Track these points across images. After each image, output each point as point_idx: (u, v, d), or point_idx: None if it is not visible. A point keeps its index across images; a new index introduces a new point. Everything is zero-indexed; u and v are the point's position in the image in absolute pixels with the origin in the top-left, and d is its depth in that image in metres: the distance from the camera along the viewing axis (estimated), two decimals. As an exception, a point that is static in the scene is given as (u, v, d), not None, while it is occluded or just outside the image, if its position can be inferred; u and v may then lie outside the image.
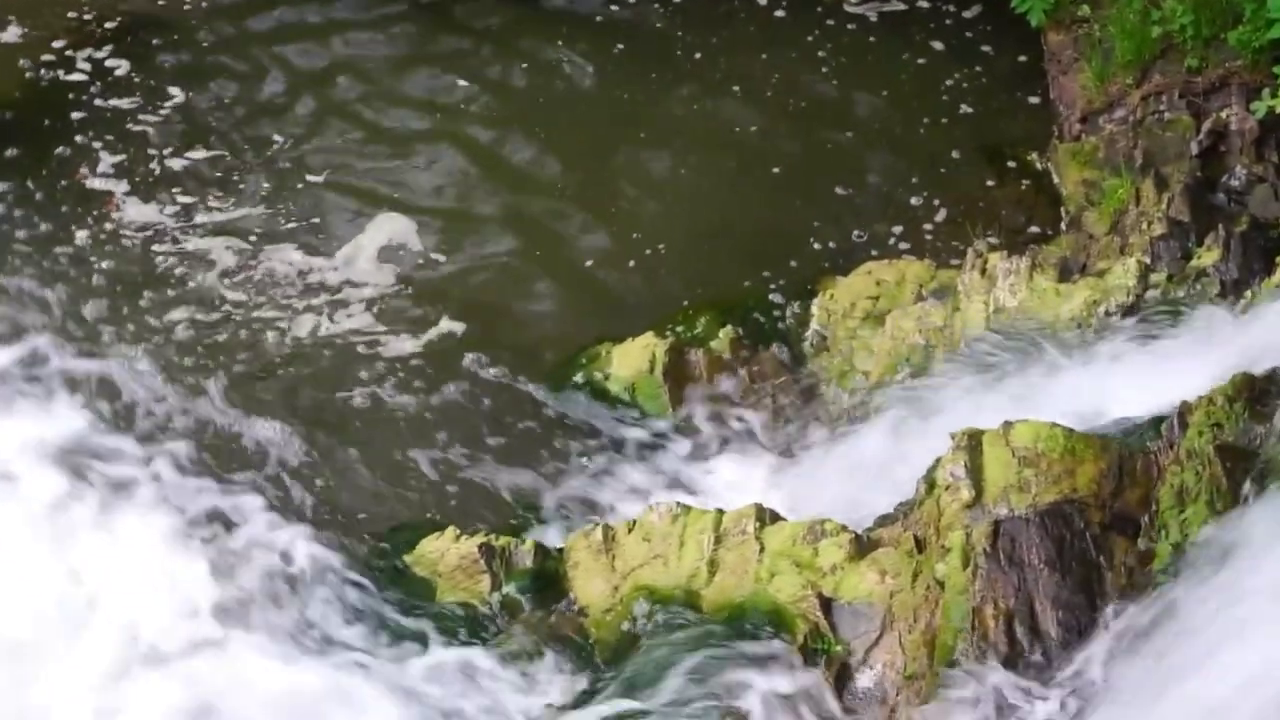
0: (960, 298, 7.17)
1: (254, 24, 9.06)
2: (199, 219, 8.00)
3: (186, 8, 9.14)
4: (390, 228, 7.93)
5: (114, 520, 6.49)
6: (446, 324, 7.51)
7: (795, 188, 8.21)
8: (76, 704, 5.84)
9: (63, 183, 8.17)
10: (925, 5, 9.07)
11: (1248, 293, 6.69)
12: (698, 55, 8.91)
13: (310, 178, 8.23)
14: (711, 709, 5.66)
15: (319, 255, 7.82)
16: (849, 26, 9.02)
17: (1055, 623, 5.49)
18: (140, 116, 8.52)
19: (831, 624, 5.79)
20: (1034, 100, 8.56)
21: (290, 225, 7.98)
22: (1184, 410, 5.85)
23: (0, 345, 7.24)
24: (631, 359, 7.17)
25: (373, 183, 8.21)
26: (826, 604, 5.83)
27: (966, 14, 9.00)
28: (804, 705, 5.64)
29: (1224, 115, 7.60)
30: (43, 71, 8.76)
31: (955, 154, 8.33)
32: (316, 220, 8.01)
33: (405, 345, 7.42)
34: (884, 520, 6.17)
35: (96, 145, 8.35)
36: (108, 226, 7.94)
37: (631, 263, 7.82)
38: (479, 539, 6.34)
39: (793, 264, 7.77)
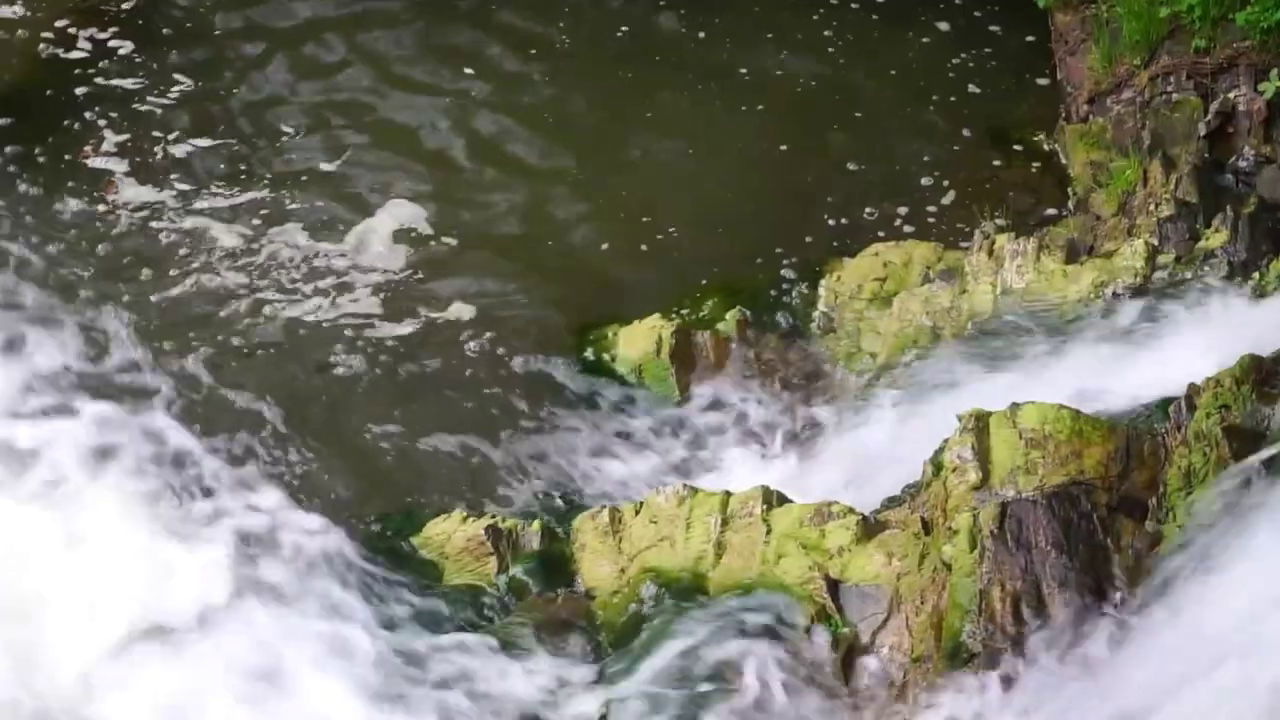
0: (967, 279, 7.17)
1: (261, 8, 9.03)
2: (201, 202, 7.99)
3: (193, -11, 9.15)
4: (399, 213, 7.92)
5: (115, 502, 6.47)
6: (454, 307, 7.50)
7: (802, 169, 8.19)
8: (70, 688, 5.83)
9: (65, 159, 8.15)
10: (931, -15, 9.06)
11: (1255, 274, 6.68)
12: (701, 35, 8.90)
13: (317, 164, 8.21)
14: (718, 691, 5.67)
15: (325, 240, 7.81)
16: (853, 6, 8.99)
17: (1062, 605, 5.49)
18: (146, 97, 8.50)
19: (838, 606, 5.80)
20: (1041, 81, 8.54)
21: (297, 209, 7.96)
22: (1192, 392, 5.85)
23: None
24: (638, 341, 7.17)
25: (381, 169, 8.19)
26: (834, 586, 5.83)
27: (973, -6, 9.00)
28: (811, 687, 5.65)
29: (1232, 96, 7.58)
30: (44, 49, 8.74)
31: (962, 136, 8.32)
32: (323, 205, 7.99)
33: (412, 327, 7.41)
34: (891, 502, 6.18)
35: (101, 124, 8.34)
36: (108, 206, 7.93)
37: (638, 245, 7.81)
38: (486, 521, 6.34)
39: (799, 246, 7.76)
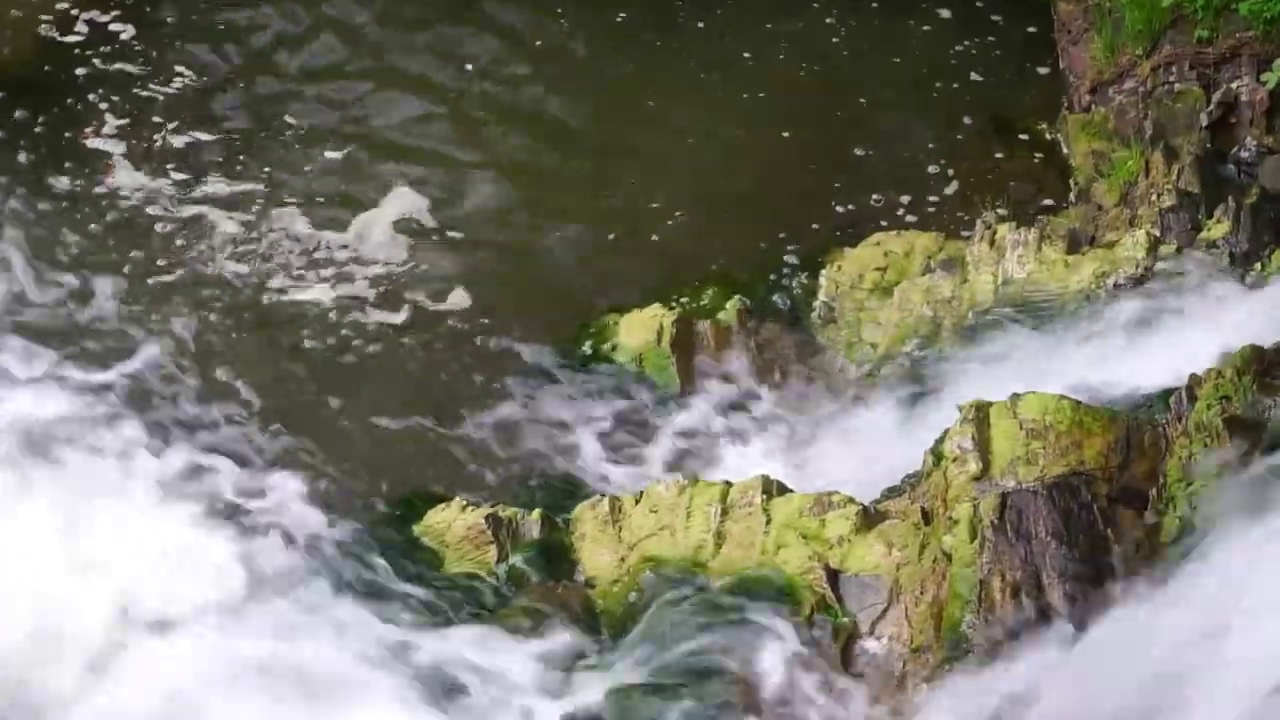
0: (969, 269, 7.16)
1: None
2: (200, 189, 7.98)
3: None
4: (400, 203, 7.91)
5: (119, 490, 6.48)
6: (454, 296, 7.50)
7: (803, 159, 8.19)
8: (81, 667, 5.84)
9: (65, 138, 8.14)
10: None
11: (1257, 265, 6.68)
12: (700, 24, 8.88)
13: (319, 153, 8.20)
14: (718, 680, 5.66)
15: (326, 229, 7.80)
16: (853, -6, 9.01)
17: (1062, 595, 5.49)
18: (147, 84, 8.50)
19: (838, 595, 5.80)
20: (1043, 71, 8.52)
21: (298, 198, 7.96)
22: (1193, 383, 5.85)
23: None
24: (639, 330, 7.16)
25: (383, 159, 8.18)
26: (833, 576, 5.83)
27: (976, -17, 8.99)
28: (811, 676, 5.65)
29: (1234, 86, 7.57)
30: (44, 31, 8.73)
31: (964, 125, 8.31)
32: (324, 194, 7.99)
33: (413, 316, 7.41)
34: (891, 492, 6.18)
35: (102, 108, 8.33)
36: (106, 188, 7.92)
37: (638, 235, 7.81)
38: (486, 510, 6.34)
39: (800, 235, 7.76)
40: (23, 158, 8.06)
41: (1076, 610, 5.48)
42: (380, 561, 6.25)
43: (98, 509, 6.34)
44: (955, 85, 8.53)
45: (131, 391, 6.93)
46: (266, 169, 8.09)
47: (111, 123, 8.27)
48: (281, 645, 5.90)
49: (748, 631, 5.75)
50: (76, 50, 8.63)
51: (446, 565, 6.28)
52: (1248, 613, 5.12)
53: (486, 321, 7.36)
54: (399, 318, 7.41)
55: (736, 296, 7.32)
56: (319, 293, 7.50)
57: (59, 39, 8.70)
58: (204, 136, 8.25)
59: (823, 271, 7.48)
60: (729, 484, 6.19)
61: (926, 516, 5.87)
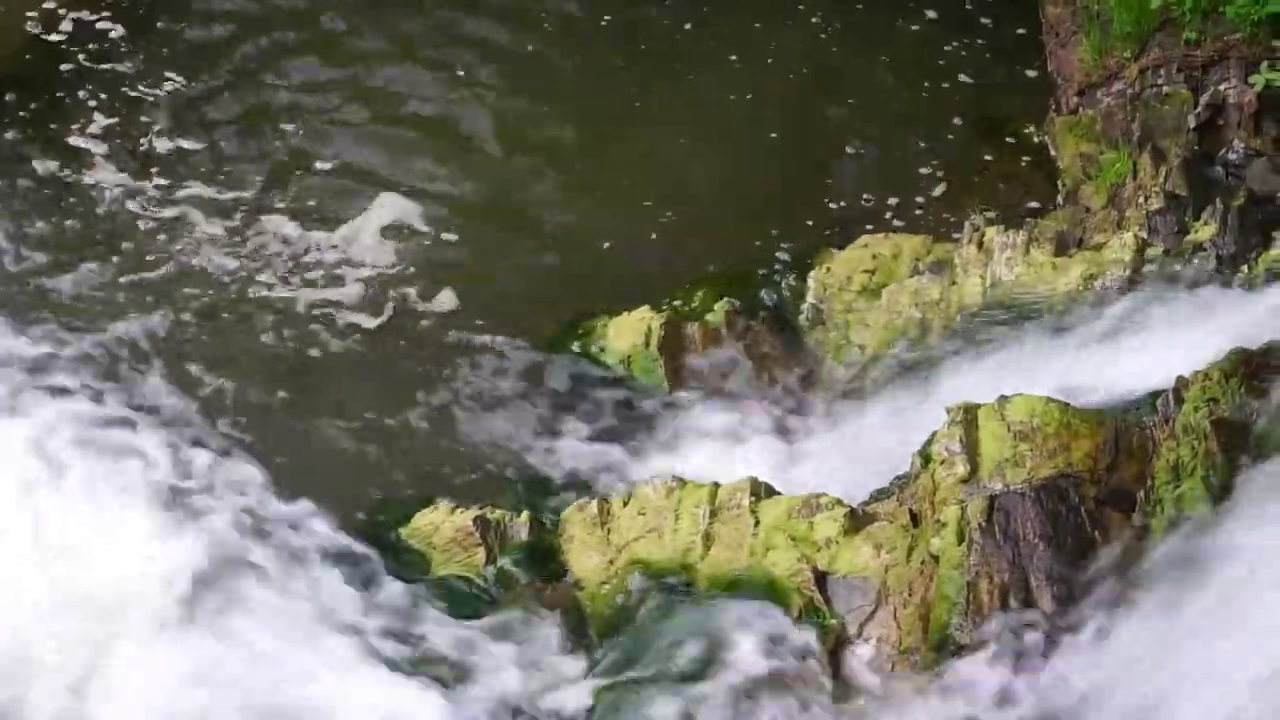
0: (957, 271, 7.17)
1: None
2: (187, 189, 7.97)
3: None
4: (389, 207, 7.90)
5: (98, 489, 6.45)
6: (442, 298, 7.50)
7: (791, 160, 8.19)
8: (66, 673, 5.83)
9: (49, 134, 8.13)
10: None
11: (1244, 267, 6.68)
12: (687, 26, 8.88)
13: (308, 155, 8.19)
14: (705, 682, 5.67)
15: (315, 230, 7.79)
16: (837, -8, 9.01)
17: (1050, 597, 5.50)
18: (135, 84, 8.48)
19: (826, 598, 5.80)
20: (1032, 74, 8.53)
21: (286, 199, 7.95)
22: (1180, 385, 5.86)
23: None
24: (627, 332, 7.17)
25: (371, 162, 8.17)
26: (821, 578, 5.83)
27: (965, -14, 9.00)
28: (799, 678, 5.65)
29: (1222, 89, 7.57)
30: (32, 28, 8.72)
31: (952, 129, 8.32)
32: (313, 196, 7.98)
33: (401, 319, 7.41)
34: (879, 494, 6.18)
35: (90, 105, 8.32)
36: (90, 186, 7.91)
37: (627, 237, 7.81)
38: (474, 512, 6.35)
39: (789, 238, 7.76)
40: (5, 151, 8.05)
41: (1064, 612, 5.48)
42: (367, 564, 6.24)
43: (64, 508, 6.32)
44: (944, 86, 8.54)
45: (100, 386, 6.91)
46: (253, 172, 8.08)
47: (101, 121, 8.26)
48: (259, 647, 5.89)
49: (736, 633, 5.74)
50: (63, 48, 8.61)
51: (434, 568, 6.28)
52: (1237, 614, 5.14)
53: (474, 324, 7.36)
54: (385, 320, 7.40)
55: (724, 299, 7.32)
56: (304, 295, 7.49)
57: (45, 37, 8.69)
58: (192, 137, 8.24)
59: (811, 274, 7.48)
60: (717, 486, 6.19)
61: (914, 518, 5.88)
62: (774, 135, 8.29)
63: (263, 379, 7.11)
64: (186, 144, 8.20)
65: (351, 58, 8.70)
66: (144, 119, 8.30)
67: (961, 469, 5.83)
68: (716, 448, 6.84)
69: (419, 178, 8.08)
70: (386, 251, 7.71)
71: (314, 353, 7.25)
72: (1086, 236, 7.31)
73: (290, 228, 7.80)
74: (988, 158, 8.18)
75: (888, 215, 7.91)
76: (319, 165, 8.13)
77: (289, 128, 8.31)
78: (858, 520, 5.96)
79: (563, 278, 7.62)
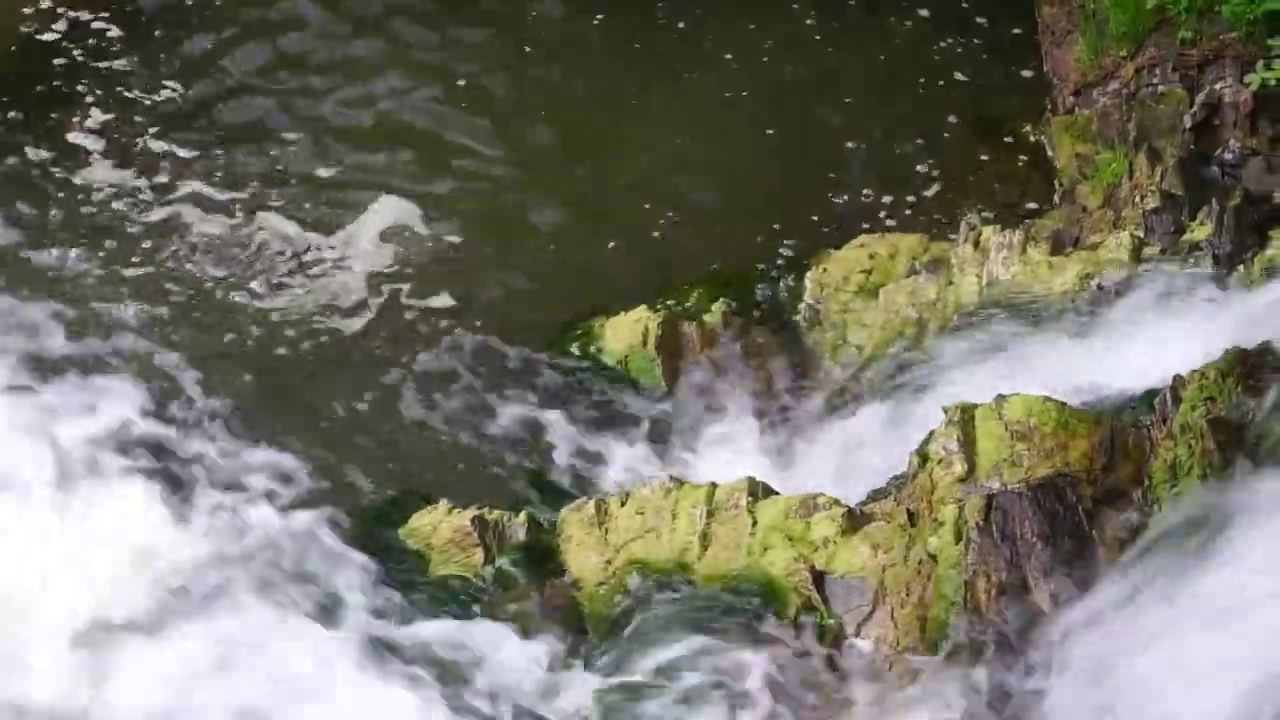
0: (953, 271, 7.17)
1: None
2: (184, 189, 7.97)
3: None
4: (388, 209, 7.89)
5: (87, 489, 6.45)
6: (440, 299, 7.49)
7: (787, 160, 8.19)
8: (55, 679, 5.82)
9: (46, 130, 8.13)
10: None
11: (1241, 266, 6.69)
12: (681, 25, 8.88)
13: (306, 157, 8.16)
14: (704, 682, 5.67)
15: (313, 232, 7.78)
16: (830, -9, 9.01)
17: (1047, 596, 5.51)
18: (133, 84, 8.47)
19: (824, 597, 5.81)
20: (1028, 73, 8.53)
21: (284, 200, 7.94)
22: (1177, 385, 5.86)
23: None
24: (624, 332, 7.17)
25: (370, 163, 8.15)
26: (819, 577, 5.84)
27: (960, -14, 9.00)
28: (797, 678, 5.66)
29: (1218, 88, 7.58)
30: (25, 28, 8.72)
31: (948, 128, 8.31)
32: (311, 198, 7.95)
33: (399, 320, 7.40)
34: (877, 494, 6.19)
35: (87, 103, 8.31)
36: (83, 183, 7.90)
37: (623, 238, 7.81)
38: (472, 512, 6.34)
39: (786, 236, 7.76)
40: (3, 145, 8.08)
41: (1061, 611, 5.49)
42: (365, 564, 6.24)
43: (64, 507, 6.32)
44: (940, 86, 8.53)
45: (93, 384, 6.91)
46: (251, 174, 8.07)
47: (97, 117, 8.26)
48: (260, 648, 5.89)
49: (734, 633, 5.75)
50: (61, 47, 8.61)
51: (432, 568, 6.28)
52: (1231, 613, 5.15)
53: (473, 324, 7.35)
54: (383, 320, 7.40)
55: (722, 299, 7.33)
56: (301, 295, 7.49)
57: (41, 37, 8.69)
58: (191, 138, 8.24)
59: (807, 274, 7.47)
60: (715, 486, 6.19)
61: (912, 518, 5.88)
62: (770, 133, 8.28)
63: (259, 378, 7.10)
64: (185, 145, 8.20)
65: (350, 64, 8.67)
66: (139, 119, 8.30)
67: (959, 468, 5.84)
68: (714, 447, 6.84)
69: (418, 180, 8.07)
70: (385, 253, 7.71)
71: (312, 352, 7.25)
72: (1083, 236, 7.32)
73: (289, 229, 7.79)
74: (984, 157, 8.19)
75: (883, 214, 7.91)
76: (317, 169, 8.11)
77: (288, 133, 8.29)
78: (855, 520, 5.96)
79: (560, 278, 7.62)
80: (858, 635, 5.74)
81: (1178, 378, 5.88)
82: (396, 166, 8.14)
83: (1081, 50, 8.08)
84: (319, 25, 8.86)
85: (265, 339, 7.28)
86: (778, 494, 6.13)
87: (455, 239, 7.80)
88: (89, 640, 5.88)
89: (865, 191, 8.01)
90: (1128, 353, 6.41)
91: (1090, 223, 7.41)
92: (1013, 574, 5.55)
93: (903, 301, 7.17)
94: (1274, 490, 5.37)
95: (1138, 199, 7.27)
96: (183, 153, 8.16)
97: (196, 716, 5.70)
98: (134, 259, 7.61)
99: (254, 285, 7.51)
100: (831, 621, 5.76)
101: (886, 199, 7.98)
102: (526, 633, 5.95)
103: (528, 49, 8.77)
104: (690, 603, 5.91)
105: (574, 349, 7.22)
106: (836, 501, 6.01)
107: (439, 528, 6.36)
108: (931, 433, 5.98)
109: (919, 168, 8.13)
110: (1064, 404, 5.87)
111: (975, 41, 8.72)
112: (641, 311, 7.23)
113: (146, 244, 7.69)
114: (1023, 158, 8.14)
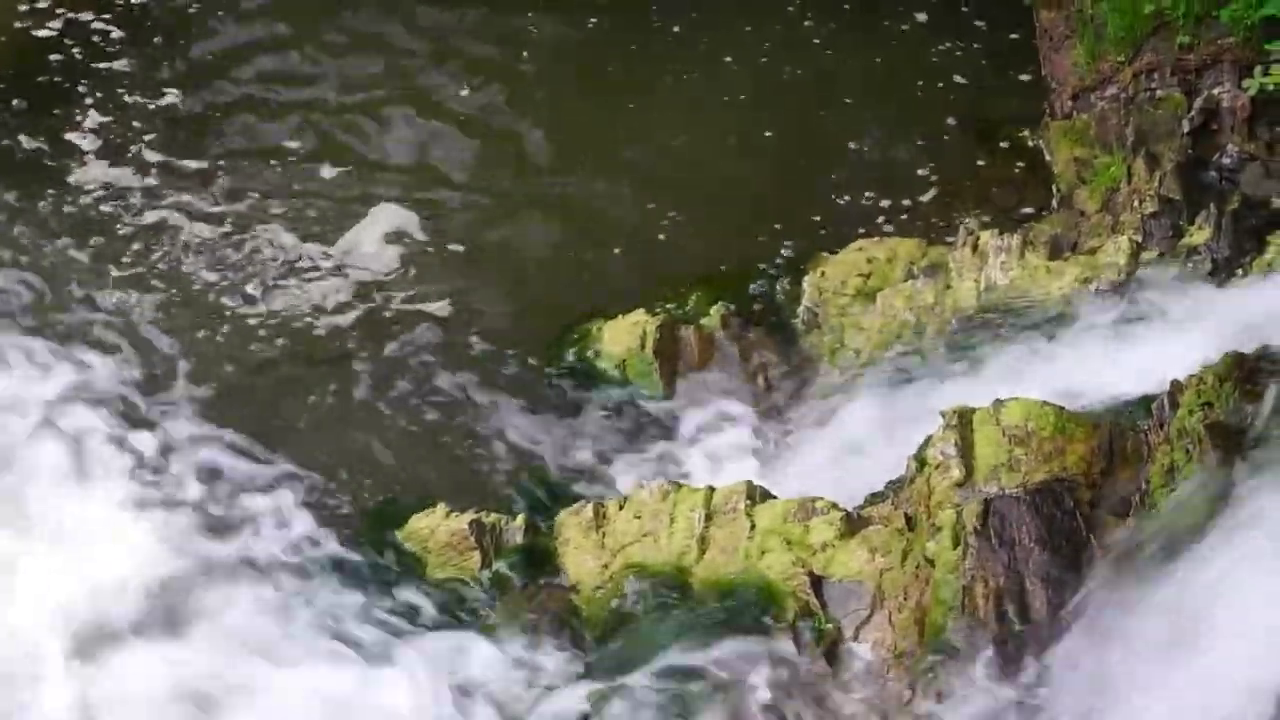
0: (951, 275, 7.17)
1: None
2: (181, 194, 7.97)
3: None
4: (387, 215, 7.89)
5: (89, 487, 6.45)
6: (439, 304, 7.50)
7: (785, 163, 8.19)
8: (53, 672, 5.81)
9: (43, 130, 8.13)
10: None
11: (1239, 271, 6.69)
12: (677, 28, 8.88)
13: (305, 162, 8.18)
14: (702, 686, 5.67)
15: (311, 239, 7.78)
16: (832, -3, 9.02)
17: (1045, 601, 5.51)
18: (132, 86, 8.48)
19: (822, 602, 5.80)
20: (1025, 78, 8.54)
21: (283, 205, 7.94)
22: (1174, 389, 5.86)
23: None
24: (622, 336, 7.16)
25: (370, 170, 8.16)
26: (817, 582, 5.84)
27: (958, -10, 9.01)
28: (794, 683, 5.66)
29: (1216, 93, 7.58)
30: (19, 25, 8.71)
31: (946, 133, 8.32)
32: (310, 204, 7.95)
33: (398, 325, 7.40)
34: (875, 498, 6.19)
35: (85, 104, 8.31)
36: (76, 186, 7.90)
37: (622, 241, 7.81)
38: (469, 516, 6.34)
39: (784, 239, 7.76)
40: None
41: (1059, 616, 5.49)
42: (361, 568, 6.24)
43: (56, 506, 6.30)
44: (938, 89, 8.54)
45: (87, 384, 6.91)
46: (251, 177, 8.08)
47: (94, 118, 8.26)
48: (253, 649, 5.89)
49: (731, 638, 5.75)
50: (60, 48, 8.61)
51: (429, 571, 6.28)
52: (1230, 617, 5.15)
53: (469, 328, 7.35)
54: (381, 324, 7.40)
55: (720, 302, 7.33)
56: (298, 300, 7.49)
57: (40, 36, 8.69)
58: (189, 142, 8.24)
59: (805, 278, 7.48)
60: (712, 490, 6.19)
61: (910, 522, 5.88)
62: (768, 136, 8.29)
63: (256, 382, 7.11)
64: (180, 149, 8.21)
65: (350, 74, 8.69)
66: (136, 122, 8.29)
67: (957, 473, 5.84)
68: (712, 451, 6.84)
69: (415, 187, 8.07)
70: (385, 259, 7.71)
71: (309, 357, 7.25)
72: (1081, 240, 7.32)
73: (287, 235, 7.79)
74: (981, 161, 8.19)
75: (881, 218, 7.91)
76: (316, 176, 8.12)
77: (287, 141, 8.31)
78: (853, 524, 5.97)
79: (558, 282, 7.62)
80: (855, 639, 5.73)
81: (1175, 382, 5.88)
82: (394, 172, 8.15)
83: (1079, 55, 8.08)
84: (317, 36, 8.87)
85: (262, 343, 7.29)
86: (775, 498, 6.13)
87: (453, 244, 7.80)
88: (75, 638, 5.87)
89: (864, 194, 8.01)
90: (1125, 357, 6.42)
91: (1088, 227, 7.42)
92: (1010, 578, 5.55)
93: (900, 305, 7.17)
94: (1272, 494, 5.37)
95: (1136, 203, 7.27)
96: (180, 157, 8.16)
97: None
98: (134, 258, 7.62)
99: (249, 289, 7.51)
100: (829, 625, 5.76)
101: (884, 202, 7.98)
102: (523, 637, 5.95)
103: (524, 54, 8.77)
104: (688, 606, 5.91)
105: (572, 353, 7.22)
106: (835, 505, 6.01)
107: (436, 531, 6.35)
108: (929, 437, 5.98)
109: (917, 171, 8.13)
110: (1062, 408, 5.87)
111: (973, 45, 8.73)
112: (639, 315, 7.23)
113: (142, 245, 7.70)
114: (1020, 162, 8.15)
